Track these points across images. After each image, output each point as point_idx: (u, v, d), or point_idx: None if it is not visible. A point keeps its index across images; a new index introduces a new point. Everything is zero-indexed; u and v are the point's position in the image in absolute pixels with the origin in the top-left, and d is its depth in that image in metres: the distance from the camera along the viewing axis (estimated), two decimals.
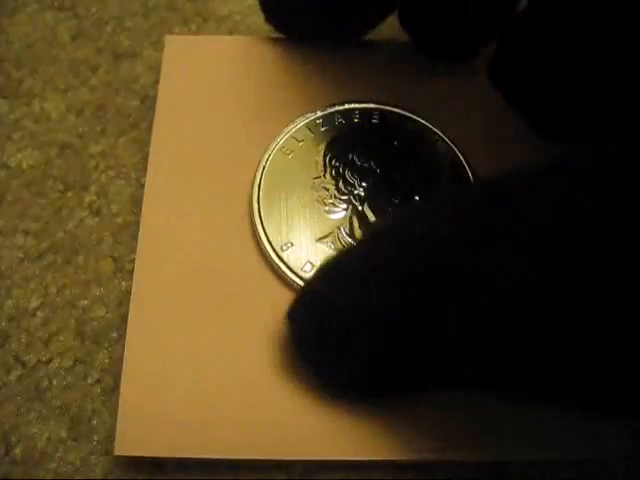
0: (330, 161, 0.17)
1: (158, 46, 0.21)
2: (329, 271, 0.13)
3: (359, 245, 0.14)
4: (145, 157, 0.18)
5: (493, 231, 0.10)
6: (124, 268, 0.17)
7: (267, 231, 0.16)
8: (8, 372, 0.16)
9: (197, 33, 0.21)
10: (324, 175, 0.17)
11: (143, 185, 0.18)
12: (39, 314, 0.16)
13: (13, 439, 0.15)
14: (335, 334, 0.13)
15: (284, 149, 0.17)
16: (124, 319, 0.16)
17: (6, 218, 0.18)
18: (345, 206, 0.17)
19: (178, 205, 0.17)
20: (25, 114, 0.19)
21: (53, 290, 0.17)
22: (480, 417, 0.14)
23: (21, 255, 0.17)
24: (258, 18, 0.21)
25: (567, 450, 0.14)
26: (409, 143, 0.18)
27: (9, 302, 0.17)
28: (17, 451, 0.15)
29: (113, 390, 0.16)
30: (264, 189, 0.17)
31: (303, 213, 0.16)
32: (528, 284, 0.10)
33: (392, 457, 0.14)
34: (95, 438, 0.15)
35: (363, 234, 0.16)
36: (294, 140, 0.18)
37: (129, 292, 0.16)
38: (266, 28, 0.20)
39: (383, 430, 0.14)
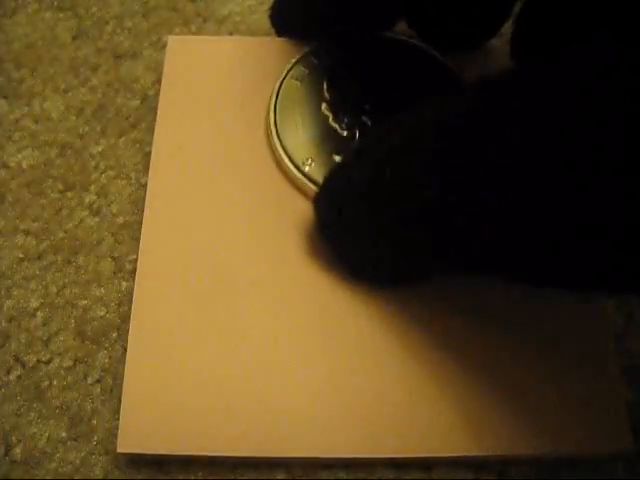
0: (336, 84, 0.18)
1: (158, 46, 0.21)
2: (348, 158, 0.15)
3: (371, 138, 0.15)
4: (145, 157, 0.18)
5: (500, 125, 0.11)
6: (124, 268, 0.17)
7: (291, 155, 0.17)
8: (8, 372, 0.16)
9: (197, 33, 0.21)
10: (332, 98, 0.18)
11: (143, 185, 0.18)
12: (39, 314, 0.16)
13: (13, 439, 0.15)
14: (352, 214, 0.14)
15: (294, 77, 0.18)
16: (124, 319, 0.16)
17: (6, 218, 0.18)
18: (355, 126, 0.17)
19: (180, 204, 0.17)
20: (25, 114, 0.19)
21: (53, 290, 0.17)
22: (479, 414, 0.14)
23: (21, 255, 0.17)
24: (258, 18, 0.21)
25: (566, 448, 0.14)
26: (411, 65, 0.19)
27: (9, 302, 0.17)
28: (17, 451, 0.15)
29: (113, 390, 0.16)
30: (280, 112, 0.18)
31: (318, 135, 0.17)
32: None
33: (392, 455, 0.14)
34: (95, 438, 0.15)
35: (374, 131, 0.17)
36: (302, 68, 0.18)
37: (129, 292, 0.17)
38: (266, 28, 0.20)
39: (383, 428, 0.14)
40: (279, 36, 0.19)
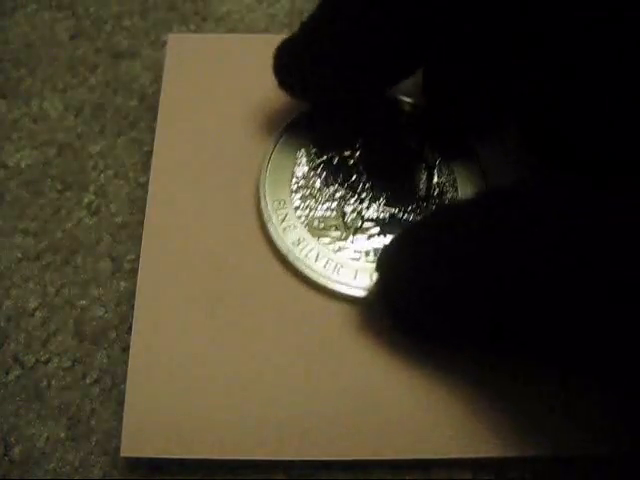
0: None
1: (157, 45, 0.21)
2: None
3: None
4: (144, 157, 0.18)
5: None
6: (122, 268, 0.17)
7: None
8: (7, 372, 0.16)
9: (196, 32, 0.21)
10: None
11: (142, 185, 0.18)
12: (38, 314, 0.16)
13: (12, 439, 0.15)
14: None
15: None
16: (122, 319, 0.16)
17: (5, 218, 0.18)
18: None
19: (182, 203, 0.17)
20: (24, 114, 0.19)
21: (52, 290, 0.17)
22: (477, 416, 0.14)
23: (20, 255, 0.17)
24: (256, 16, 0.21)
25: (565, 448, 0.14)
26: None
27: (8, 302, 0.17)
28: (16, 451, 0.15)
29: (112, 390, 0.16)
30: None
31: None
32: None
33: (391, 457, 0.14)
34: (94, 438, 0.15)
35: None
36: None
37: (127, 292, 0.16)
38: (264, 26, 0.20)
39: (383, 430, 0.14)
40: (285, 91, 0.17)
